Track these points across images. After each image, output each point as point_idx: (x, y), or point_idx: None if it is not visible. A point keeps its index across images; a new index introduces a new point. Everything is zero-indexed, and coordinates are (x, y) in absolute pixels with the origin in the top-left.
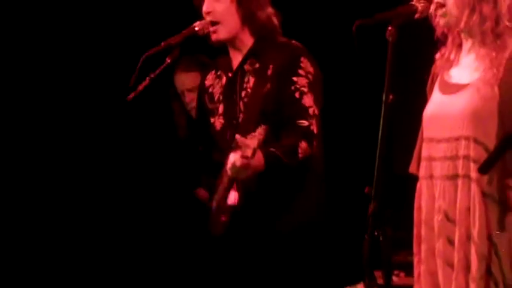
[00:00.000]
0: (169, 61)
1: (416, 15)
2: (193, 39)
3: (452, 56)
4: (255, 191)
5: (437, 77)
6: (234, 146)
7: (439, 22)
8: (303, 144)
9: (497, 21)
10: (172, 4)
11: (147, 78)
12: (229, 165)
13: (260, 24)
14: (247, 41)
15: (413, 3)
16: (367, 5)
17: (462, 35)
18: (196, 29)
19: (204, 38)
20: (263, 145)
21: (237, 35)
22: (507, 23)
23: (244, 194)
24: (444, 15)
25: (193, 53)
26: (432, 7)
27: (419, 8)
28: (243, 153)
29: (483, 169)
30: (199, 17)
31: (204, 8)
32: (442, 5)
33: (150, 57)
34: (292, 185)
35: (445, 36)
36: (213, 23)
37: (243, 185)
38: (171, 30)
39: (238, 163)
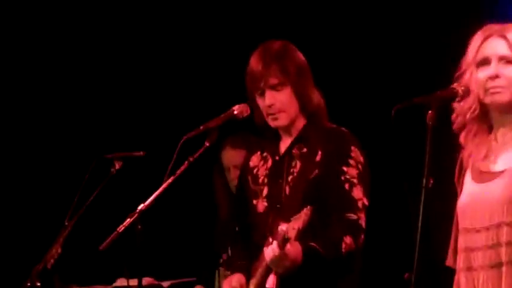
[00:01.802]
0: (208, 144)
1: (457, 99)
2: (232, 122)
3: (486, 143)
4: (295, 277)
5: (466, 167)
6: (273, 234)
7: (496, 99)
8: (348, 239)
9: None
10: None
11: (186, 161)
12: (266, 255)
13: (313, 107)
14: (299, 125)
15: (454, 86)
16: (406, 87)
17: (497, 121)
18: (235, 112)
19: (241, 122)
20: (307, 228)
21: (294, 121)
22: None
23: (282, 279)
24: (503, 93)
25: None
26: (483, 80)
27: (460, 91)
28: (284, 237)
29: None
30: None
31: (267, 102)
32: (497, 76)
33: (190, 140)
34: (332, 275)
35: (470, 120)
36: (274, 113)
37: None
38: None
39: (276, 254)
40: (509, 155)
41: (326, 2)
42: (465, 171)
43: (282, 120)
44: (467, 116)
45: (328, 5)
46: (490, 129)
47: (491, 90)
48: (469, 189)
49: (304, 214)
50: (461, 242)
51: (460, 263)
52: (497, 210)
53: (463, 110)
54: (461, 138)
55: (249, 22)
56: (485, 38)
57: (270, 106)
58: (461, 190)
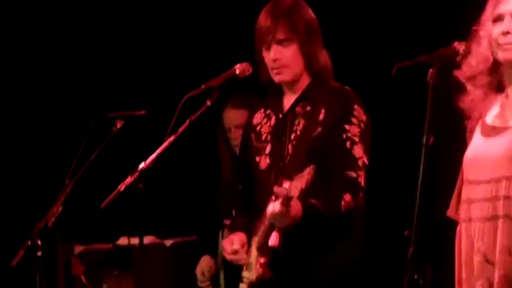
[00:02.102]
0: (209, 103)
1: (458, 58)
2: (234, 81)
3: (494, 98)
4: (296, 234)
5: (476, 120)
6: (275, 192)
7: (507, 56)
8: (347, 197)
9: None
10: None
11: (187, 120)
12: (268, 212)
13: (319, 66)
14: (304, 83)
15: (454, 45)
16: (408, 46)
17: (508, 77)
18: (237, 72)
19: (244, 80)
20: (310, 187)
21: (299, 77)
22: None
23: (285, 236)
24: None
25: (240, 90)
26: (496, 36)
27: (461, 50)
28: (287, 196)
29: None
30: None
31: (272, 55)
32: (508, 33)
33: (191, 99)
34: (332, 230)
35: (480, 72)
36: (279, 67)
37: (286, 229)
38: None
39: (278, 211)
40: None
41: None
42: (475, 125)
43: (285, 76)
44: (479, 67)
45: None
46: (499, 86)
47: (504, 47)
48: (476, 143)
49: (307, 173)
50: (464, 193)
51: (462, 214)
52: (499, 165)
53: (471, 63)
54: (469, 87)
55: None
56: None
57: (275, 60)
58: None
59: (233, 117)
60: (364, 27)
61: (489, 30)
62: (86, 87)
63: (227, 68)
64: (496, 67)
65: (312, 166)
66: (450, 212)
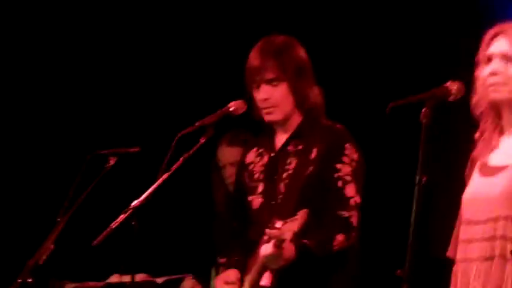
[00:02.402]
0: (203, 141)
1: (451, 98)
2: (228, 119)
3: (493, 140)
4: (289, 274)
5: (476, 161)
6: (267, 236)
7: (494, 96)
8: (340, 237)
9: None
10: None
11: (181, 158)
12: (262, 253)
13: (310, 105)
14: (295, 121)
15: (447, 85)
16: (402, 85)
17: (506, 116)
18: (232, 109)
19: (238, 118)
20: (303, 231)
21: (289, 117)
22: None
23: (278, 276)
24: (502, 90)
25: (235, 128)
26: (485, 77)
27: (454, 90)
28: (280, 238)
29: None
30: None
31: (262, 95)
32: (495, 74)
33: (185, 136)
34: (326, 271)
35: (480, 117)
36: (269, 107)
37: (277, 270)
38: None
39: (272, 253)
40: None
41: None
42: (474, 165)
43: (275, 115)
44: (476, 112)
45: (328, 3)
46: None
47: (490, 88)
48: (475, 182)
49: (301, 217)
50: (463, 233)
51: (459, 254)
52: (497, 204)
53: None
54: (476, 134)
55: (248, 18)
56: (493, 36)
57: (264, 100)
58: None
59: (228, 154)
60: (360, 65)
61: (482, 72)
62: (79, 123)
63: (221, 106)
64: (495, 108)
65: (305, 210)
66: (450, 252)
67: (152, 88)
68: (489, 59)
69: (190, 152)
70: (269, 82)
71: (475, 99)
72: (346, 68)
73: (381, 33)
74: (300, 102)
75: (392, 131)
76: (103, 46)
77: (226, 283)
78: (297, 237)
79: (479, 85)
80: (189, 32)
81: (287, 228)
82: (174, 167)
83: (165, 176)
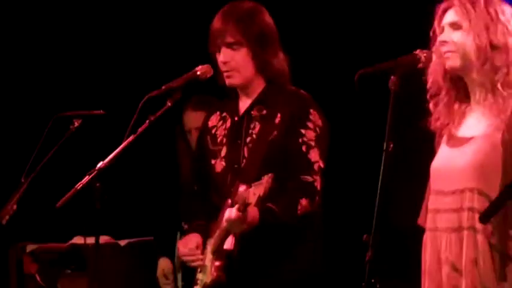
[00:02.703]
0: (170, 104)
1: (419, 65)
2: (195, 83)
3: (456, 107)
4: (253, 238)
5: (441, 130)
6: (232, 197)
7: (448, 64)
8: (304, 202)
9: (508, 72)
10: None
11: (147, 120)
12: (225, 217)
13: (273, 71)
14: (258, 87)
15: (416, 52)
16: (371, 53)
17: (469, 86)
18: (198, 73)
19: (205, 82)
20: (267, 196)
21: (251, 82)
22: None
23: (241, 240)
24: (455, 57)
25: (201, 92)
26: (438, 46)
27: (422, 57)
28: (244, 202)
29: (483, 219)
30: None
31: (221, 58)
32: (445, 42)
33: (152, 99)
34: (290, 236)
35: (437, 85)
36: (229, 71)
37: (242, 233)
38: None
39: (234, 217)
40: (479, 121)
41: None
42: (442, 135)
43: (235, 79)
44: (437, 82)
45: None
46: (466, 95)
47: (444, 56)
48: (442, 153)
49: (266, 182)
50: (431, 203)
51: (429, 223)
52: (463, 176)
53: (429, 80)
54: (431, 106)
55: None
56: (444, 10)
57: (224, 63)
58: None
59: (193, 119)
60: (328, 34)
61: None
62: (44, 86)
63: (189, 69)
64: (455, 77)
65: (270, 175)
66: (420, 221)
67: (120, 51)
68: (442, 30)
69: (157, 114)
70: (229, 46)
71: (429, 70)
72: (315, 37)
73: (349, 3)
74: (261, 68)
75: (361, 98)
76: (71, 9)
77: (188, 248)
78: (262, 201)
79: (435, 56)
80: None
81: (252, 192)
82: (140, 129)
83: (130, 139)
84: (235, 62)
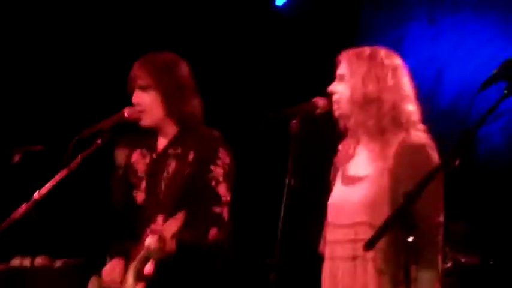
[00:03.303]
0: (99, 142)
1: (317, 111)
2: (123, 123)
3: (351, 149)
4: (170, 264)
5: (337, 168)
6: (151, 230)
7: (335, 112)
8: (213, 231)
9: (379, 120)
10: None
11: (79, 157)
12: (146, 245)
13: (183, 115)
14: (171, 128)
15: (315, 100)
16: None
17: (357, 132)
18: (126, 115)
19: (133, 123)
20: (181, 230)
21: (162, 123)
22: (389, 122)
23: (160, 265)
24: (338, 107)
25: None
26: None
27: (320, 104)
28: (163, 235)
29: (367, 246)
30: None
31: (133, 99)
32: (335, 96)
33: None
34: (202, 263)
35: (345, 131)
36: (140, 112)
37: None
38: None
39: (154, 247)
40: (367, 162)
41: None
42: (337, 172)
43: (145, 120)
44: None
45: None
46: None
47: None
48: (337, 190)
49: (179, 218)
50: (329, 234)
51: (327, 252)
52: (356, 211)
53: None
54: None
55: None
56: (339, 60)
57: (135, 104)
58: (332, 188)
59: (121, 155)
60: (240, 82)
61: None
62: None
63: (122, 107)
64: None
65: (183, 211)
66: (321, 249)
67: (59, 90)
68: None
69: (87, 152)
70: (140, 88)
71: (341, 112)
72: (228, 84)
73: (266, 54)
74: (171, 112)
75: (267, 139)
76: (9, 42)
77: (111, 277)
78: (177, 234)
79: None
80: (93, 37)
81: (168, 227)
82: (73, 165)
83: (63, 174)
84: (145, 103)
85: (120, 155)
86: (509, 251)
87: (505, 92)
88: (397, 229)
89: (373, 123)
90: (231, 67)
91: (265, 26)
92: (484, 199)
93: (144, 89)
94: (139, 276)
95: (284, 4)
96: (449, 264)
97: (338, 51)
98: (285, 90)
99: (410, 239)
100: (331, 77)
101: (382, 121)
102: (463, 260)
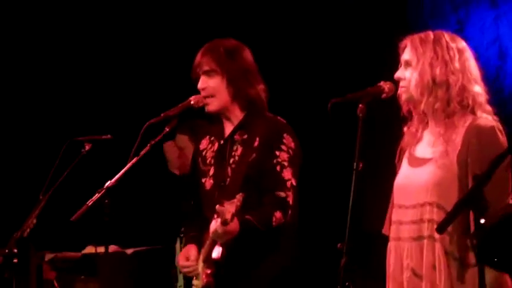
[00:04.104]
0: (168, 130)
1: (383, 95)
2: (190, 110)
3: (418, 132)
4: (236, 247)
5: (405, 151)
6: (216, 213)
7: (403, 102)
8: (278, 214)
9: (448, 103)
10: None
11: (148, 144)
12: (211, 230)
13: (249, 100)
14: (237, 113)
15: (380, 84)
16: (342, 84)
17: (424, 114)
18: (192, 102)
19: (199, 110)
20: (242, 210)
21: (228, 108)
22: (457, 105)
23: (228, 249)
24: (406, 92)
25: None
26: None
27: (386, 88)
28: (223, 218)
29: (440, 229)
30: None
31: (199, 85)
32: (403, 82)
33: (152, 126)
34: (268, 244)
35: (410, 113)
36: (207, 97)
37: (225, 243)
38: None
39: (219, 230)
40: (435, 145)
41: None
42: (403, 154)
43: (212, 106)
44: (404, 110)
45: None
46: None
47: (399, 91)
48: (404, 171)
49: (237, 200)
50: (395, 215)
51: (393, 233)
52: (423, 192)
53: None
54: (405, 128)
55: (206, 23)
56: (404, 46)
57: (202, 89)
58: (398, 170)
59: (179, 140)
60: (307, 69)
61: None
62: (58, 113)
63: (185, 98)
64: (414, 107)
65: (241, 194)
66: (385, 230)
67: (125, 82)
68: (399, 67)
69: (157, 139)
70: (205, 73)
71: (410, 96)
72: (296, 71)
73: (327, 41)
74: (236, 95)
75: (335, 124)
76: (77, 38)
77: (187, 259)
78: (238, 215)
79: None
80: (159, 30)
81: (227, 209)
82: (143, 152)
83: (134, 160)
84: (211, 88)
85: (178, 140)
86: None
87: None
88: (467, 211)
89: (442, 106)
90: (291, 55)
91: (325, 11)
92: None
93: (209, 74)
94: (208, 261)
95: None
96: None
97: (396, 36)
98: (345, 76)
99: (482, 221)
100: (390, 61)
101: (451, 104)
102: None
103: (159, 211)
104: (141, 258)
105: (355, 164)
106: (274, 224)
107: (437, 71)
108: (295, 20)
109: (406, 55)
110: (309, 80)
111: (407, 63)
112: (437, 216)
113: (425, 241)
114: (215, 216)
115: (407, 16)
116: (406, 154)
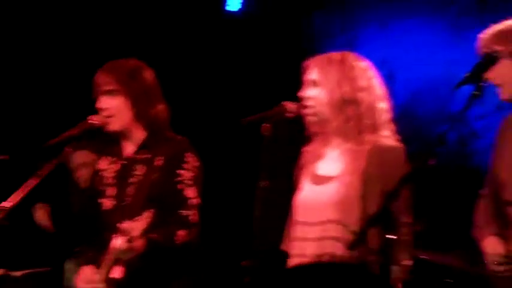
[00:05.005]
0: (68, 150)
1: (287, 114)
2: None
3: (320, 151)
4: (139, 267)
5: (303, 169)
6: (119, 230)
7: (309, 120)
8: (181, 233)
9: (360, 119)
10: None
11: (52, 163)
12: (112, 248)
13: (151, 120)
14: (139, 133)
15: (283, 104)
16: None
17: (329, 133)
18: (91, 122)
19: (99, 129)
20: (149, 228)
21: (129, 128)
22: (367, 121)
23: (130, 268)
24: (315, 110)
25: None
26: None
27: (287, 108)
28: (129, 235)
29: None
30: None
31: (99, 104)
32: (310, 101)
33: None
34: (172, 264)
35: (315, 133)
36: (108, 117)
37: (128, 262)
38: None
39: (123, 247)
40: (338, 163)
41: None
42: (302, 172)
43: (113, 126)
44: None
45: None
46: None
47: (304, 110)
48: (306, 189)
49: (146, 216)
50: (298, 232)
51: (296, 250)
52: (327, 210)
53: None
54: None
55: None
56: (308, 66)
57: (102, 110)
58: (297, 187)
59: (76, 157)
60: (214, 88)
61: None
62: None
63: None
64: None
65: (151, 210)
66: (283, 247)
67: (22, 100)
68: (303, 87)
69: (58, 160)
70: (107, 93)
71: (319, 118)
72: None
73: (230, 62)
74: (139, 115)
75: (241, 143)
76: None
77: (87, 281)
78: (145, 233)
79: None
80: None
81: (135, 226)
82: (46, 171)
83: (34, 182)
84: (112, 108)
85: (74, 158)
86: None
87: (474, 93)
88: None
89: (355, 123)
90: (188, 74)
91: (218, 30)
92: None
93: (110, 93)
94: (109, 281)
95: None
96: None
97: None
98: (247, 95)
99: (389, 236)
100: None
101: (363, 120)
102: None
103: (45, 232)
104: (29, 280)
105: (260, 182)
106: (178, 242)
107: (346, 88)
108: (200, 40)
109: (313, 75)
110: (212, 100)
111: (315, 83)
112: (341, 233)
113: (325, 258)
114: (115, 235)
115: (302, 37)
116: (307, 172)
